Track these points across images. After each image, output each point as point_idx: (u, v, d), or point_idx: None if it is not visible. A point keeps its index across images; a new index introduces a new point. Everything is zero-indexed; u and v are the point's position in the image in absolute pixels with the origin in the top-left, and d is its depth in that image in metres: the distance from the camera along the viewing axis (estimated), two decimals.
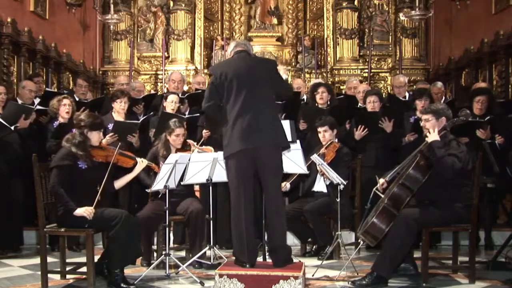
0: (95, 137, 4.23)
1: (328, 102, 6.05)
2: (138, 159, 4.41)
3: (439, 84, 6.89)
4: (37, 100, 6.26)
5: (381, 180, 4.33)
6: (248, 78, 3.89)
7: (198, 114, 5.80)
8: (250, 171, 3.89)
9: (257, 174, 3.92)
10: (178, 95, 6.00)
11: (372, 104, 5.74)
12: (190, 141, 5.10)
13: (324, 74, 10.43)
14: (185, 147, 5.00)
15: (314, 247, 5.31)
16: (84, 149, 4.13)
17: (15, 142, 5.47)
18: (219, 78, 3.92)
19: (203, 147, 5.21)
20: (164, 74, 9.78)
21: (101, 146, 4.32)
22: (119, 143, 4.37)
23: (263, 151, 3.87)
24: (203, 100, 4.05)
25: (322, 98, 6.00)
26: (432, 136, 4.07)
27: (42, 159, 4.49)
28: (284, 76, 4.19)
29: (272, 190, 3.92)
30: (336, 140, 5.30)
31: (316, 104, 6.05)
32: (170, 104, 5.72)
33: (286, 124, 4.12)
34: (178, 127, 4.92)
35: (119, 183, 4.39)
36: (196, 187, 5.34)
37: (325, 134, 5.22)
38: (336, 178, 4.76)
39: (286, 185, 5.03)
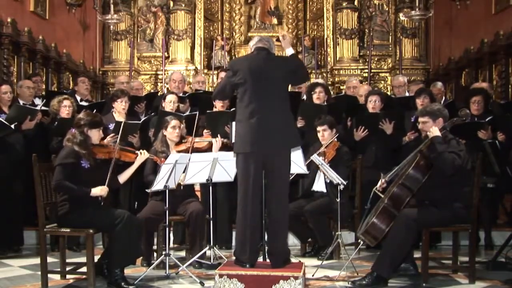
0: (95, 135, 4.23)
1: (325, 102, 6.06)
2: (139, 152, 4.44)
3: (439, 84, 6.88)
4: (37, 100, 6.27)
5: (382, 180, 4.33)
6: (265, 77, 3.87)
7: (196, 113, 5.78)
8: (259, 172, 3.89)
9: (264, 175, 3.93)
10: (177, 95, 5.99)
11: (373, 104, 5.74)
12: (187, 136, 5.10)
13: (324, 74, 10.43)
14: (182, 141, 4.99)
15: (314, 247, 5.30)
16: (86, 147, 4.14)
17: (17, 143, 5.48)
18: (236, 74, 3.92)
19: (202, 137, 5.22)
20: (164, 74, 9.78)
21: (101, 144, 4.33)
22: (118, 139, 4.39)
23: (274, 155, 3.87)
24: (215, 90, 4.13)
25: (319, 98, 6.00)
26: (434, 131, 4.07)
27: (45, 160, 4.50)
28: (289, 51, 4.13)
29: (278, 194, 3.91)
30: (335, 139, 5.30)
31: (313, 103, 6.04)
32: (169, 104, 5.72)
33: None
34: (173, 119, 4.94)
35: (123, 177, 4.42)
36: (197, 187, 5.34)
37: (324, 133, 5.22)
38: (336, 178, 4.76)
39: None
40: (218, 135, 5.02)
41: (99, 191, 4.07)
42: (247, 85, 3.88)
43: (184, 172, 4.61)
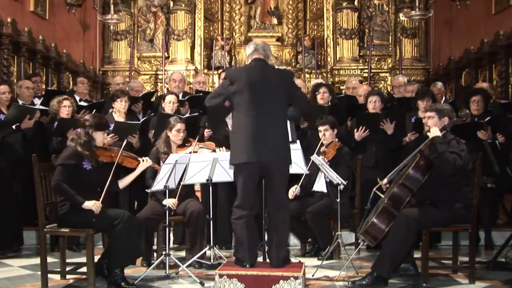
0: (99, 137, 4.23)
1: (329, 103, 6.05)
2: (141, 159, 4.42)
3: (439, 84, 6.89)
4: (36, 100, 6.27)
5: (385, 180, 4.33)
6: (262, 89, 3.85)
7: (197, 114, 5.78)
8: (257, 179, 3.90)
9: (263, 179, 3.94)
10: (177, 96, 5.97)
11: (373, 104, 5.74)
12: (191, 139, 5.10)
13: (324, 74, 10.43)
14: (185, 144, 5.00)
15: (314, 246, 5.30)
16: (89, 149, 4.13)
17: (17, 143, 5.48)
18: (231, 83, 3.90)
19: (205, 142, 5.22)
20: (164, 74, 9.78)
21: (104, 146, 4.32)
22: (123, 143, 4.37)
23: (271, 166, 3.86)
24: (209, 96, 4.07)
25: (323, 98, 5.99)
26: (434, 131, 4.08)
27: (45, 159, 4.49)
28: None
29: (277, 195, 3.91)
30: (336, 139, 5.30)
31: (316, 103, 6.04)
32: (168, 105, 5.69)
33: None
34: (179, 122, 4.94)
35: (123, 183, 4.40)
36: (197, 187, 5.34)
37: (325, 133, 5.22)
38: (336, 178, 4.76)
39: (297, 189, 5.06)
40: (224, 147, 5.00)
41: (91, 204, 4.00)
42: (243, 96, 3.86)
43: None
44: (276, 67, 4.14)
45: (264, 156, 3.81)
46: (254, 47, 4.02)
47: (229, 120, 4.05)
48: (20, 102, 5.89)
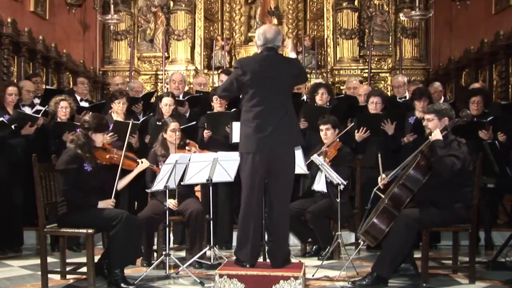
0: (99, 138, 4.23)
1: (328, 103, 6.04)
2: (139, 160, 4.44)
3: (437, 84, 6.89)
4: (36, 100, 6.26)
5: (383, 175, 4.33)
6: (272, 79, 3.88)
7: (194, 123, 5.73)
8: (264, 173, 3.89)
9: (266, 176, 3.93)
10: (174, 97, 5.86)
11: (374, 105, 5.73)
12: (191, 142, 5.09)
13: (324, 74, 10.43)
14: (184, 146, 4.99)
15: (314, 247, 5.31)
16: (89, 150, 4.13)
17: (18, 145, 5.46)
18: (244, 73, 3.90)
19: (203, 150, 5.20)
20: (164, 74, 9.78)
21: (104, 147, 4.32)
22: (124, 144, 4.38)
23: (279, 156, 3.87)
24: (220, 87, 4.21)
25: (321, 99, 5.98)
26: (436, 135, 4.07)
27: (44, 160, 4.50)
28: (292, 55, 4.30)
29: (280, 195, 3.91)
30: (337, 139, 5.30)
31: (316, 104, 6.04)
32: (165, 107, 5.61)
33: None
34: (172, 122, 4.94)
35: (120, 185, 4.39)
36: (197, 187, 5.33)
37: (327, 132, 5.21)
38: (336, 178, 4.76)
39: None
40: None
41: (104, 204, 4.10)
42: (255, 87, 3.88)
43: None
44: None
45: (270, 145, 3.83)
46: (264, 40, 3.98)
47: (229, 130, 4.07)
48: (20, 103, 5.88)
